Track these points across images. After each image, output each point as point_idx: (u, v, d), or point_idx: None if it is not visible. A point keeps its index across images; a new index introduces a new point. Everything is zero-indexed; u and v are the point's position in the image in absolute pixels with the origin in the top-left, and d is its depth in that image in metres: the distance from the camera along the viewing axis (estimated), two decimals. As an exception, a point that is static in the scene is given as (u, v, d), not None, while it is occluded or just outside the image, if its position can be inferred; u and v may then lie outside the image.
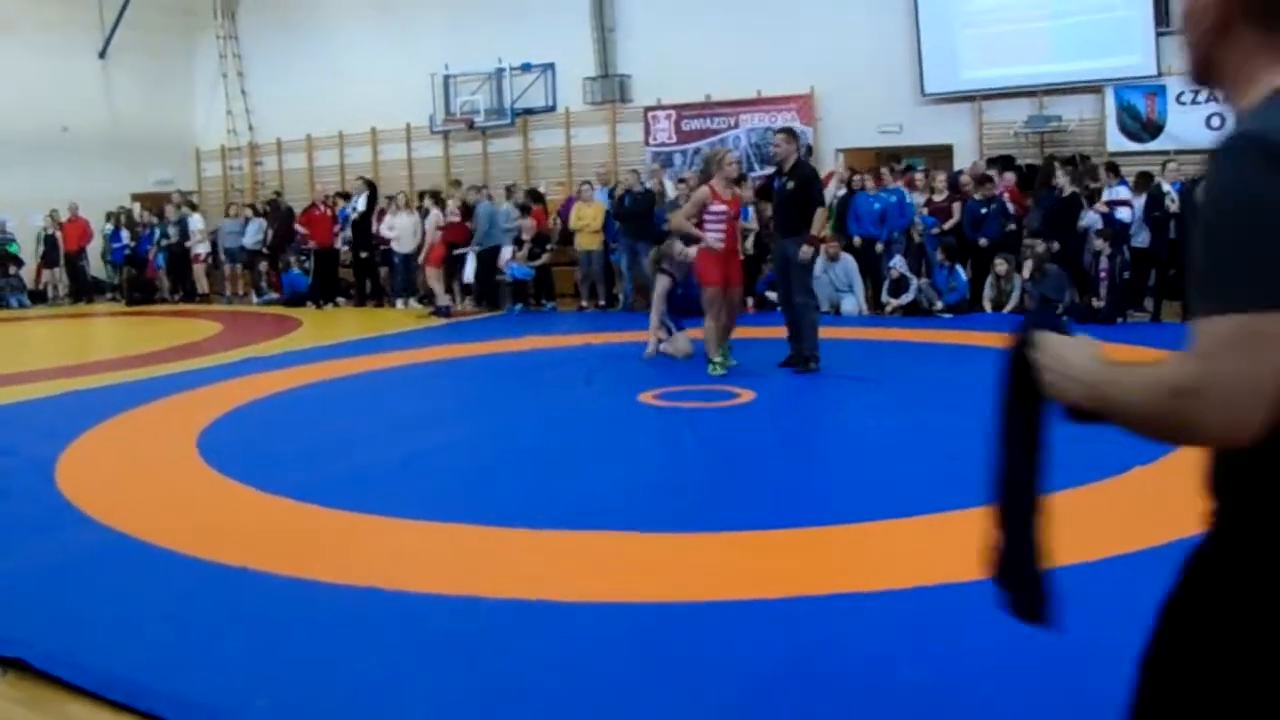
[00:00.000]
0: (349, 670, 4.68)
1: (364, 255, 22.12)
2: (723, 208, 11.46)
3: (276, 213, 24.11)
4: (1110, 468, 7.45)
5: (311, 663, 4.77)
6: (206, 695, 4.46)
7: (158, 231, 24.91)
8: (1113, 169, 16.63)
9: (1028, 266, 16.43)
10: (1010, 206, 17.24)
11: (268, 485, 7.70)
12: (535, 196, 21.42)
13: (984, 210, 17.17)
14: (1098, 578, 5.47)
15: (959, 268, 17.22)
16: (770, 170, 16.60)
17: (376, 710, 4.34)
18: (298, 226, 22.75)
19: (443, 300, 19.55)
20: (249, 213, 24.43)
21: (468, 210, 20.52)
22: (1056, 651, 4.62)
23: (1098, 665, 4.48)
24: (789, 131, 12.46)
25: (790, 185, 11.72)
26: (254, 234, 23.94)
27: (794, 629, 4.98)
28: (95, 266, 26.51)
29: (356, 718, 4.29)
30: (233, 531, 6.74)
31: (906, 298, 17.21)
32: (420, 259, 20.56)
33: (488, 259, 19.87)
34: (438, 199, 20.64)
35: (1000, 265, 16.80)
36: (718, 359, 11.66)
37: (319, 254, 22.40)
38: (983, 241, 17.06)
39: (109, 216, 25.91)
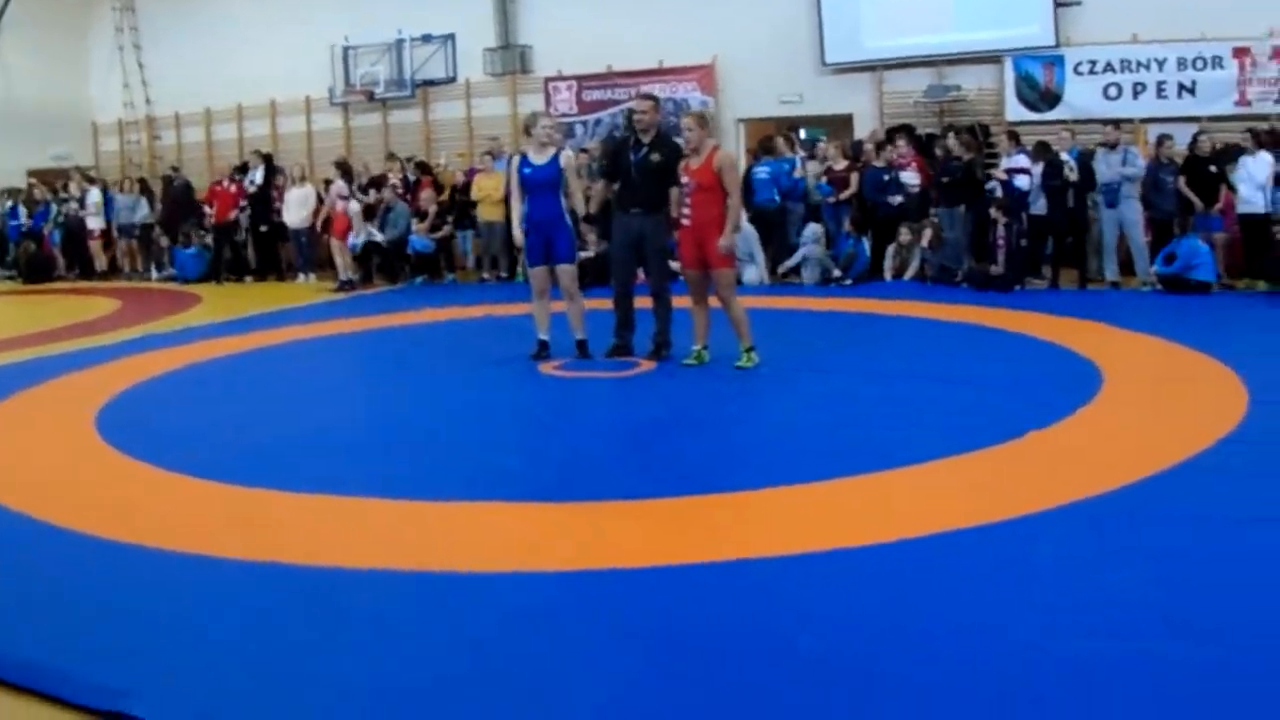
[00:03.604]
0: (252, 647, 4.66)
1: (264, 230, 21.89)
2: (685, 179, 10.45)
3: (169, 187, 23.83)
4: (1006, 433, 7.59)
5: (214, 641, 4.73)
6: (104, 676, 4.42)
7: (54, 208, 24.54)
8: (1013, 137, 16.83)
9: (927, 235, 16.60)
10: (916, 176, 17.42)
11: (168, 463, 7.63)
12: (423, 168, 21.30)
13: (885, 177, 17.33)
14: (994, 541, 5.57)
15: (863, 239, 17.35)
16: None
17: (279, 688, 4.32)
18: (206, 206, 22.42)
19: (344, 274, 19.41)
20: (137, 188, 24.11)
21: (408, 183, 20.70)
22: (956, 617, 4.71)
23: (995, 632, 4.56)
24: (654, 99, 11.80)
25: (656, 158, 10.85)
26: (143, 209, 23.67)
27: (695, 596, 5.01)
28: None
29: (258, 695, 4.28)
30: (133, 510, 6.69)
31: (789, 264, 17.61)
32: (319, 229, 20.57)
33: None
34: (344, 169, 20.45)
35: (904, 234, 16.96)
36: (695, 347, 10.74)
37: (220, 229, 22.14)
38: (899, 199, 17.30)
39: (3, 193, 25.52)
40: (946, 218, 16.84)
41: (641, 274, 11.38)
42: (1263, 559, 5.20)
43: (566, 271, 11.19)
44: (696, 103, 20.34)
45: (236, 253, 22.36)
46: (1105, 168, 15.68)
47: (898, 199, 17.24)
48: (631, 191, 11.04)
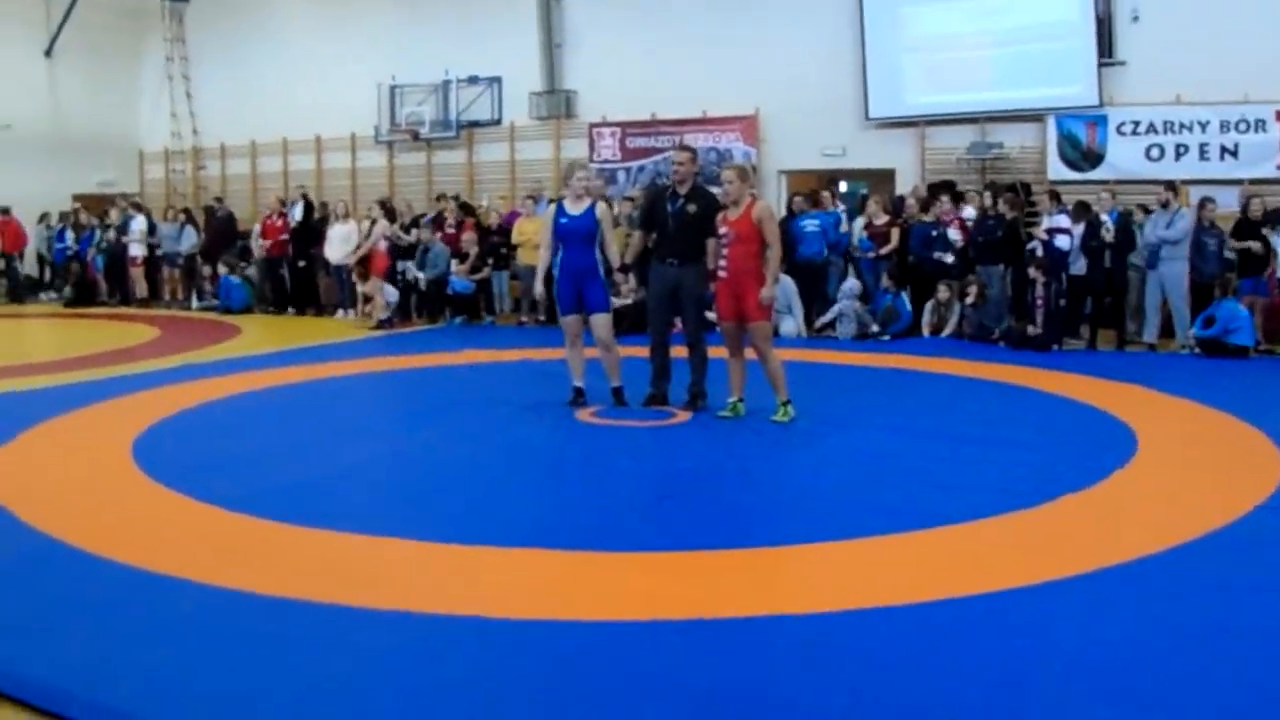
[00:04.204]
0: (276, 681, 4.68)
1: (302, 265, 21.99)
2: (724, 229, 10.40)
3: (212, 218, 24.02)
4: (1042, 495, 7.57)
5: (239, 673, 4.76)
6: (133, 704, 4.46)
7: (98, 233, 24.74)
8: (1054, 197, 16.83)
9: (972, 292, 16.55)
10: (958, 233, 17.35)
11: (202, 494, 7.68)
12: (466, 209, 21.33)
13: (934, 233, 17.33)
14: (1028, 604, 5.55)
15: (903, 294, 17.36)
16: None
17: (302, 723, 4.35)
18: (257, 240, 22.54)
19: (384, 312, 19.45)
20: (183, 217, 24.30)
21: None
22: (987, 679, 4.69)
23: (1025, 695, 4.55)
24: (692, 151, 11.73)
25: (692, 209, 10.85)
26: (190, 239, 23.83)
27: (727, 651, 5.00)
28: (30, 266, 26.39)
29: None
30: (165, 539, 6.72)
31: (825, 318, 17.67)
32: (354, 264, 20.49)
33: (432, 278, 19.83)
34: (386, 208, 20.52)
35: (943, 291, 16.95)
36: (731, 399, 10.69)
37: (268, 261, 22.38)
38: (949, 258, 17.29)
39: (42, 217, 25.85)
40: (984, 276, 16.81)
41: (679, 323, 11.37)
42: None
43: (601, 322, 11.15)
44: (739, 153, 20.49)
45: (281, 285, 22.48)
46: (1151, 229, 15.68)
47: (949, 256, 17.21)
48: (669, 242, 11.03)
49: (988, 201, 17.15)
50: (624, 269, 11.34)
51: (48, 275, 26.49)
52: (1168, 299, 15.70)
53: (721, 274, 10.45)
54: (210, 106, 27.75)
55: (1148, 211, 16.18)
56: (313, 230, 21.70)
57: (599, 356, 11.29)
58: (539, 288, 11.78)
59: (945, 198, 17.80)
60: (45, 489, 8.05)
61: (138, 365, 14.44)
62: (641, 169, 21.59)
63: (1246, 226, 15.71)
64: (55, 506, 7.47)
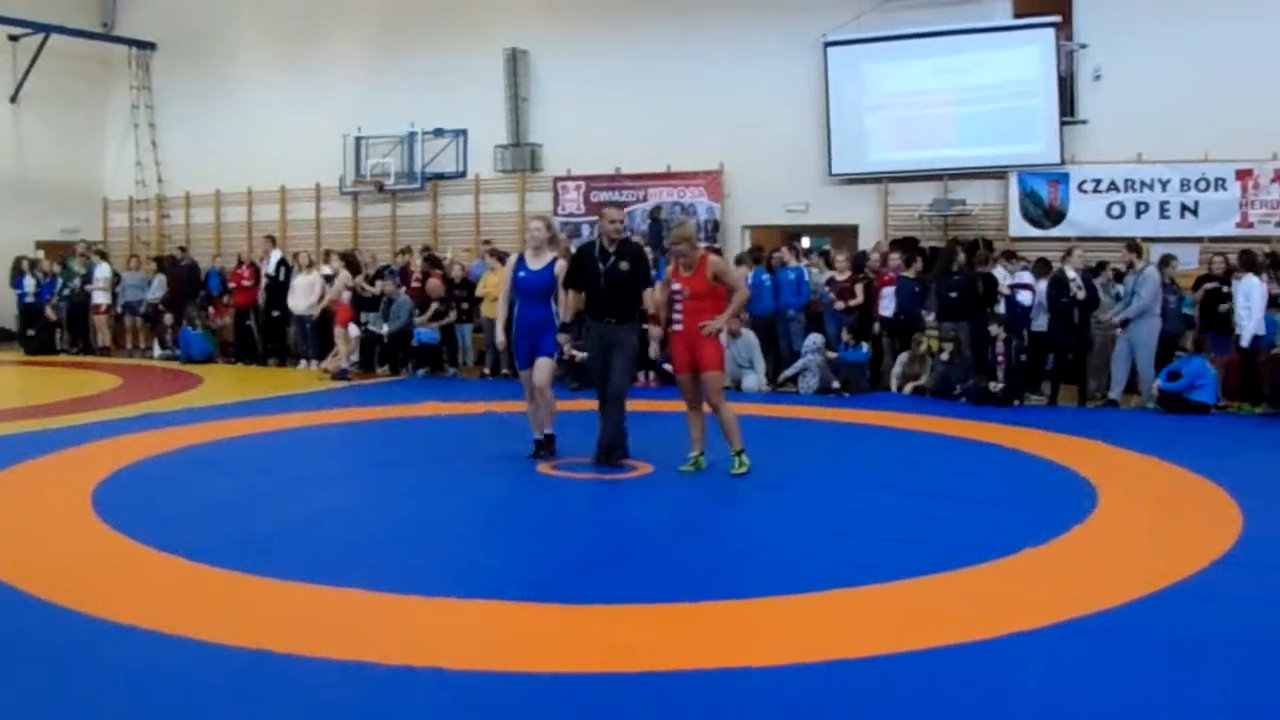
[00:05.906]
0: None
1: (275, 314, 21.98)
2: (678, 286, 10.44)
3: (175, 267, 23.97)
4: (1002, 549, 7.59)
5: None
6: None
7: (59, 281, 24.61)
8: (1009, 255, 16.91)
9: (948, 349, 16.56)
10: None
11: (161, 543, 7.63)
12: (433, 262, 21.23)
13: (917, 289, 17.39)
14: (986, 657, 5.55)
15: (863, 345, 17.35)
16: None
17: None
18: (229, 286, 22.60)
19: (344, 363, 19.36)
20: (152, 266, 24.24)
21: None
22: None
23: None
24: (620, 206, 11.64)
25: (624, 266, 10.80)
26: (157, 288, 23.75)
27: (686, 703, 4.99)
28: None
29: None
30: (124, 589, 6.68)
31: (788, 372, 17.61)
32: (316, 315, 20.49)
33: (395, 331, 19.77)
34: (348, 260, 20.47)
35: (921, 344, 16.97)
36: (692, 454, 10.64)
37: (238, 312, 22.43)
38: (931, 317, 17.39)
39: (34, 264, 25.46)
40: (946, 332, 16.84)
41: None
42: (1245, 685, 5.22)
43: (542, 366, 11.07)
44: (703, 208, 20.58)
45: (247, 335, 22.48)
46: (1121, 289, 15.95)
47: (933, 315, 17.31)
48: (603, 300, 10.91)
49: (961, 258, 17.10)
50: (564, 328, 11.25)
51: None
52: (1135, 356, 15.74)
53: (677, 328, 10.45)
54: (175, 155, 27.69)
55: (1120, 275, 16.24)
56: (286, 281, 21.64)
57: (534, 404, 11.27)
58: (500, 337, 11.53)
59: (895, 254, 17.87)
60: (3, 537, 7.99)
61: (99, 414, 14.37)
62: (605, 222, 21.65)
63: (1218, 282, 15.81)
64: (14, 554, 7.42)
